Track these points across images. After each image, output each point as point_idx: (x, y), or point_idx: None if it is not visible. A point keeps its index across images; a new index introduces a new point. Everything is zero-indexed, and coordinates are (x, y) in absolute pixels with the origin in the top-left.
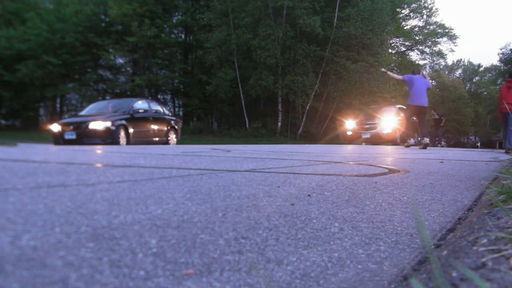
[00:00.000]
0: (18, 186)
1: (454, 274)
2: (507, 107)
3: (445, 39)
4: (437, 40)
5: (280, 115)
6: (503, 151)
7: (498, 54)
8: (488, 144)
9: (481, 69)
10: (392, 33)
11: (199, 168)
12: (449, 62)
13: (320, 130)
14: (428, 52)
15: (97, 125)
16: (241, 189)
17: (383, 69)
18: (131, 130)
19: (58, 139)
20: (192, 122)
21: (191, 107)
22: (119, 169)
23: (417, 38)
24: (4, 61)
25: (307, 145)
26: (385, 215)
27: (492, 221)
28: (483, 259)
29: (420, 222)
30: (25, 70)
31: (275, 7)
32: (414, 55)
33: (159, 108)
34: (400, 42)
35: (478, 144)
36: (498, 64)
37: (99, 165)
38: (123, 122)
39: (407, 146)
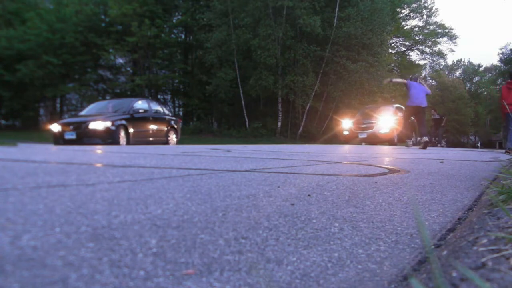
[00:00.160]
0: (18, 186)
1: (454, 274)
2: (507, 108)
3: (445, 39)
4: (437, 40)
5: (280, 115)
6: (503, 151)
7: (498, 54)
8: (488, 144)
9: (481, 69)
10: (392, 33)
11: (199, 168)
12: (449, 62)
13: (320, 130)
14: (428, 52)
15: (97, 125)
16: (241, 189)
17: (387, 80)
18: (131, 130)
19: (58, 139)
20: (192, 122)
21: (191, 107)
22: (119, 169)
23: (417, 38)
24: (4, 61)
25: (307, 145)
26: (385, 215)
27: (492, 221)
28: (483, 259)
29: (420, 222)
30: (25, 70)
31: (275, 7)
32: (414, 55)
33: (159, 108)
34: (400, 42)
35: (478, 144)
36: (498, 64)
37: (99, 165)
38: (123, 122)
39: (407, 147)
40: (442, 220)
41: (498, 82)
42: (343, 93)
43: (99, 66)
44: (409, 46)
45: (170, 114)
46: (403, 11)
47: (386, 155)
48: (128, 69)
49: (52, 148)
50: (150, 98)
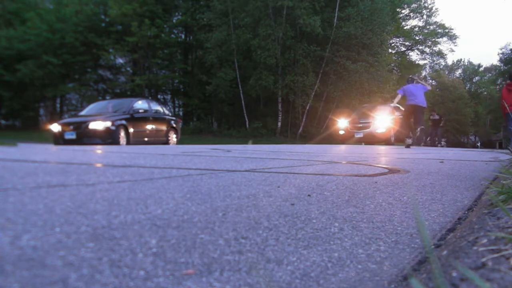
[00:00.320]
0: (18, 186)
1: (454, 274)
2: (507, 108)
3: (445, 39)
4: (437, 40)
5: (280, 115)
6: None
7: (498, 54)
8: (488, 144)
9: (481, 69)
10: (392, 33)
11: (199, 168)
12: (449, 62)
13: (320, 130)
14: (428, 52)
15: (97, 125)
16: (241, 189)
17: (391, 104)
18: (131, 130)
19: (58, 139)
20: (192, 122)
21: (191, 107)
22: (119, 169)
23: (417, 38)
24: (4, 61)
25: (307, 145)
26: (385, 215)
27: (492, 221)
28: (483, 259)
29: (420, 222)
30: (25, 70)
31: (275, 7)
32: (414, 55)
33: (159, 108)
34: (400, 42)
35: (478, 144)
36: (498, 64)
37: (99, 165)
38: (123, 122)
39: (407, 146)
40: (442, 220)
41: (498, 82)
42: (343, 93)
43: (99, 66)
44: (409, 46)
45: (170, 114)
46: (403, 11)
47: (386, 155)
48: (128, 69)
49: (52, 148)
50: (150, 98)
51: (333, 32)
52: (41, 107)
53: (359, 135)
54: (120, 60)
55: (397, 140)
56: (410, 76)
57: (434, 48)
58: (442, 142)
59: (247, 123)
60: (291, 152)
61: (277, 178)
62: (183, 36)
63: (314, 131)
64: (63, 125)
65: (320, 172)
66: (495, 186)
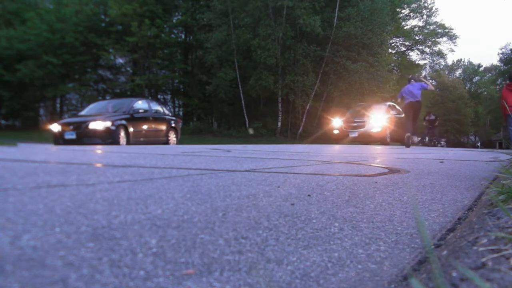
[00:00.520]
0: (18, 186)
1: (454, 274)
2: (508, 109)
3: (445, 39)
4: (437, 40)
5: (280, 115)
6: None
7: (498, 54)
8: (488, 144)
9: (481, 69)
10: (392, 33)
11: (199, 168)
12: (449, 62)
13: (320, 130)
14: (428, 52)
15: (97, 125)
16: (241, 189)
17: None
18: (131, 130)
19: (58, 139)
20: (192, 122)
21: (191, 107)
22: (119, 169)
23: (417, 38)
24: (4, 61)
25: (307, 145)
26: (385, 215)
27: (492, 221)
28: (483, 259)
29: (420, 222)
30: (25, 70)
31: (275, 7)
32: (414, 55)
33: (159, 108)
34: (400, 42)
35: (478, 144)
36: (498, 64)
37: (99, 165)
38: (123, 122)
39: (408, 146)
40: (442, 220)
41: (498, 82)
42: (343, 93)
43: (99, 66)
44: (409, 46)
45: (170, 114)
46: (403, 11)
47: (386, 155)
48: (128, 69)
49: (52, 148)
50: (150, 98)
51: (333, 32)
52: (41, 107)
53: (354, 134)
54: (120, 60)
55: (393, 139)
56: (410, 76)
57: (434, 48)
58: (442, 142)
59: (247, 123)
60: (291, 152)
61: (277, 178)
62: (183, 36)
63: (314, 131)
64: (63, 125)
65: (320, 172)
66: (495, 186)
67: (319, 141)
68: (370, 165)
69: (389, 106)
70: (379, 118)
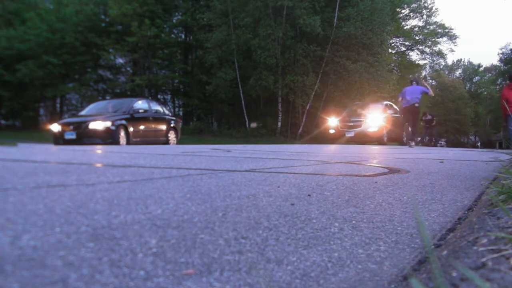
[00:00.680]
0: (18, 186)
1: (454, 274)
2: (508, 109)
3: (445, 39)
4: (437, 40)
5: (280, 115)
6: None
7: (498, 54)
8: (488, 144)
9: (481, 69)
10: (392, 33)
11: (199, 168)
12: (449, 62)
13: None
14: (428, 52)
15: (97, 125)
16: (241, 189)
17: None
18: (131, 130)
19: (58, 139)
20: (192, 122)
21: (191, 107)
22: (119, 169)
23: (417, 38)
24: (4, 61)
25: (307, 145)
26: (385, 215)
27: (492, 221)
28: (483, 259)
29: (420, 222)
30: (25, 70)
31: (275, 7)
32: (414, 55)
33: (159, 108)
34: (400, 42)
35: (478, 144)
36: (498, 64)
37: (99, 165)
38: (123, 122)
39: (411, 147)
40: (442, 220)
41: (498, 82)
42: (343, 93)
43: (99, 66)
44: (409, 46)
45: (170, 114)
46: (403, 11)
47: (386, 155)
48: (128, 69)
49: (52, 148)
50: (150, 98)
51: (333, 32)
52: (41, 107)
53: (350, 134)
54: (120, 60)
55: (390, 139)
56: (411, 76)
57: (434, 48)
58: (442, 142)
59: (247, 123)
60: (291, 152)
61: (277, 178)
62: (183, 36)
63: (314, 131)
64: (63, 125)
65: (320, 172)
66: (495, 186)
67: (315, 141)
68: (370, 165)
69: (386, 105)
70: (375, 118)
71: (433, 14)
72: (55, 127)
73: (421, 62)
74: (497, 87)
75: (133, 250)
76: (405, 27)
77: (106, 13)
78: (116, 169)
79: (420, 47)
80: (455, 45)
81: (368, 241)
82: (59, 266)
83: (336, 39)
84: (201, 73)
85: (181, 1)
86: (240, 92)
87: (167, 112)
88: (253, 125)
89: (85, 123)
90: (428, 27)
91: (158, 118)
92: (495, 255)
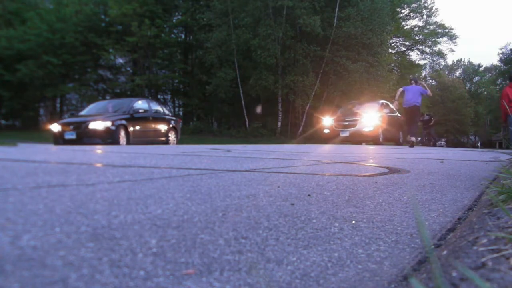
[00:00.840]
0: (18, 186)
1: (454, 274)
2: (508, 109)
3: (445, 39)
4: (437, 40)
5: (280, 115)
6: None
7: (498, 54)
8: (488, 144)
9: (481, 69)
10: (392, 33)
11: (199, 168)
12: (449, 62)
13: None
14: (428, 52)
15: (97, 125)
16: (241, 189)
17: (393, 103)
18: (131, 130)
19: (58, 139)
20: (192, 122)
21: (191, 107)
22: (119, 169)
23: (417, 38)
24: (4, 61)
25: (307, 145)
26: (385, 215)
27: (492, 221)
28: (483, 259)
29: (420, 222)
30: (25, 70)
31: (275, 7)
32: (414, 55)
33: (159, 108)
34: (400, 42)
35: (478, 144)
36: (498, 64)
37: (99, 165)
38: (123, 122)
39: (411, 146)
40: (442, 220)
41: (498, 82)
42: (343, 93)
43: (99, 66)
44: (409, 46)
45: (170, 114)
46: (403, 11)
47: (386, 155)
48: (128, 69)
49: (52, 148)
50: (150, 98)
51: (333, 32)
52: (41, 107)
53: (345, 134)
54: (120, 60)
55: (386, 139)
56: (411, 76)
57: (434, 48)
58: (442, 142)
59: (247, 123)
60: (291, 152)
61: (277, 178)
62: (183, 36)
63: (313, 131)
64: (63, 125)
65: (320, 172)
66: (495, 186)
67: (310, 141)
68: (370, 165)
69: (382, 104)
70: (371, 117)
71: (433, 14)
72: (55, 127)
73: (421, 62)
74: (497, 87)
75: (133, 250)
76: (405, 27)
77: (106, 13)
78: (116, 169)
79: (420, 47)
80: (455, 45)
81: (368, 241)
82: (59, 266)
83: (336, 39)
84: (201, 73)
85: (181, 1)
86: (240, 92)
87: (167, 112)
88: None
89: (85, 123)
90: (428, 27)
91: (158, 118)
92: (495, 255)
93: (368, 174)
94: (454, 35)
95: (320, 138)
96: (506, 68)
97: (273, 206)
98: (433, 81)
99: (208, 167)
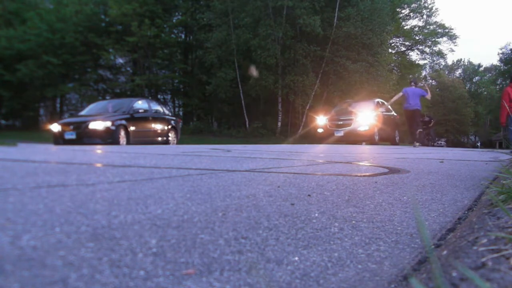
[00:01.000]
0: (18, 186)
1: (454, 274)
2: (508, 109)
3: (445, 39)
4: (437, 40)
5: (280, 115)
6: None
7: (498, 54)
8: (488, 144)
9: (481, 69)
10: (392, 33)
11: (199, 168)
12: (449, 62)
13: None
14: (428, 52)
15: (97, 125)
16: (241, 189)
17: (389, 103)
18: (131, 130)
19: (58, 139)
20: (192, 122)
21: (191, 107)
22: (119, 169)
23: (417, 38)
24: (4, 61)
25: (306, 145)
26: (385, 215)
27: (492, 221)
28: (483, 259)
29: (420, 222)
30: (25, 70)
31: (275, 7)
32: (414, 55)
33: (159, 108)
34: (400, 42)
35: (478, 144)
36: (498, 64)
37: (99, 165)
38: (123, 122)
39: (415, 147)
40: (442, 220)
41: (498, 82)
42: (343, 93)
43: (99, 66)
44: (409, 46)
45: (170, 114)
46: (403, 11)
47: (386, 155)
48: (128, 69)
49: (52, 148)
50: (150, 98)
51: (333, 32)
52: (41, 107)
53: (339, 133)
54: (120, 60)
55: (382, 139)
56: (411, 76)
57: (434, 48)
58: (442, 142)
59: (247, 123)
60: (291, 152)
61: (277, 178)
62: (183, 36)
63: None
64: (63, 125)
65: (320, 172)
66: (495, 186)
67: (305, 141)
68: (370, 165)
69: (378, 103)
70: (366, 116)
71: (433, 14)
72: (55, 127)
73: (421, 62)
74: (497, 87)
75: (133, 250)
76: (405, 27)
77: (106, 13)
78: (116, 169)
79: (420, 47)
80: (455, 45)
81: (368, 241)
82: (59, 266)
83: (336, 39)
84: (201, 73)
85: (181, 1)
86: (240, 92)
87: (167, 112)
88: (257, 125)
89: (85, 123)
90: (428, 27)
91: (158, 118)
92: (495, 255)
93: (368, 174)
94: (454, 35)
95: (314, 138)
96: (506, 68)
97: (273, 206)
98: (433, 81)
99: (208, 167)
